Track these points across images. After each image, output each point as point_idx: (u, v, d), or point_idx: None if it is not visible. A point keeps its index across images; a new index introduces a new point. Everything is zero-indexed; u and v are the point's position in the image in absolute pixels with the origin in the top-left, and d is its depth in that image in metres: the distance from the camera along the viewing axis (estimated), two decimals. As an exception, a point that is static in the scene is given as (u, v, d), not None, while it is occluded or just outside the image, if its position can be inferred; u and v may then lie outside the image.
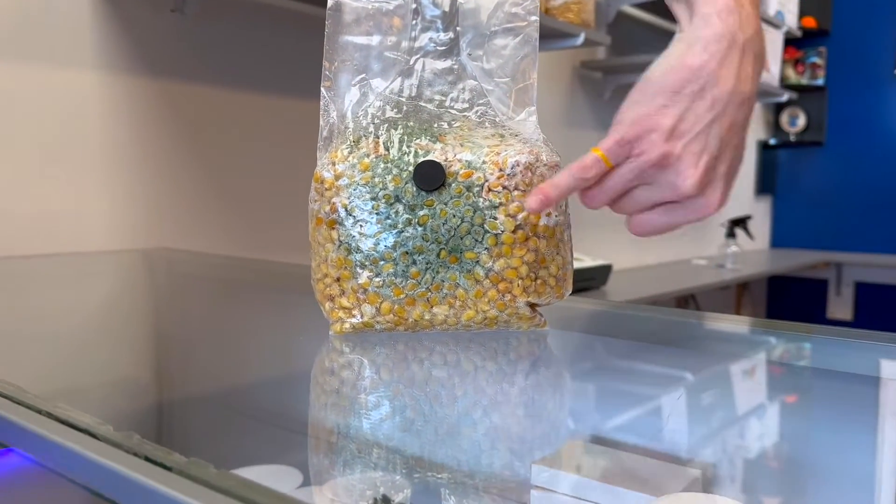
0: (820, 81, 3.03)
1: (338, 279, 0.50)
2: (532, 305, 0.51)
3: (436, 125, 0.51)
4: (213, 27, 1.24)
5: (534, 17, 0.53)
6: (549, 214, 0.50)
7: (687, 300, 2.42)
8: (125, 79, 1.14)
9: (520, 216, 0.49)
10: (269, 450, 0.37)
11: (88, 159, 1.10)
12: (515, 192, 0.49)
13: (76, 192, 1.09)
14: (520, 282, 0.49)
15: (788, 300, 3.18)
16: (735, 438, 0.39)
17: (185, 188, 1.22)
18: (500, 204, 0.48)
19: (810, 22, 2.94)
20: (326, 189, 0.50)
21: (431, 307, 0.49)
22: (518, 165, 0.49)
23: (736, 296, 2.93)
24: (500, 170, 0.49)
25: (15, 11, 1.02)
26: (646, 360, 0.56)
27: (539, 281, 0.50)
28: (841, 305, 3.07)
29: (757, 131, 3.11)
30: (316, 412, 0.44)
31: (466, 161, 0.49)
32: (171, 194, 1.20)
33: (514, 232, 0.48)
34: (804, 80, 3.03)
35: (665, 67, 0.44)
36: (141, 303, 0.80)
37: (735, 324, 0.65)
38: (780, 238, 3.24)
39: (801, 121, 3.09)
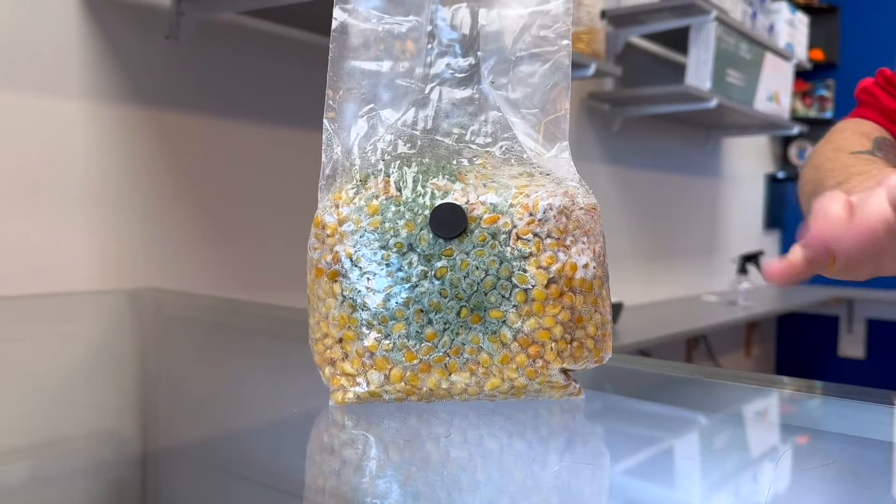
0: (828, 114, 2.99)
1: (340, 340, 0.43)
2: (566, 372, 0.44)
3: (455, 162, 0.45)
4: (209, 54, 1.19)
5: (565, 42, 0.47)
6: (586, 266, 0.43)
7: (698, 339, 2.34)
8: (113, 107, 1.08)
9: (553, 268, 0.42)
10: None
11: (71, 192, 1.03)
12: (548, 241, 0.42)
13: (57, 227, 1.02)
14: (553, 345, 0.42)
15: (799, 337, 3.11)
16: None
17: (176, 224, 1.15)
18: (531, 254, 0.42)
19: (818, 55, 2.91)
20: (328, 235, 0.43)
21: (450, 374, 0.42)
22: (551, 209, 0.42)
23: (745, 333, 2.85)
24: (531, 214, 0.42)
25: (-2, 36, 0.96)
26: (691, 431, 0.49)
27: (575, 343, 0.43)
28: (853, 343, 3.00)
29: (765, 164, 3.07)
30: (313, 498, 0.37)
31: (491, 204, 0.42)
32: (161, 230, 1.13)
33: (546, 287, 0.42)
34: (812, 113, 2.99)
35: None
36: (122, 350, 0.73)
37: (780, 386, 0.59)
38: (790, 273, 3.16)
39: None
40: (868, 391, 0.52)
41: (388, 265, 0.42)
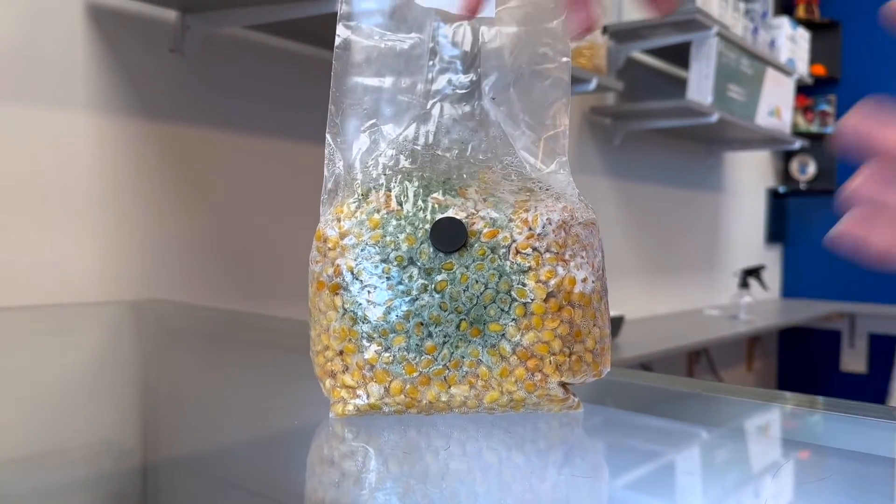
0: (830, 129, 3.00)
1: (341, 353, 0.43)
2: (565, 385, 0.44)
3: (455, 177, 0.45)
4: (213, 68, 1.20)
5: (565, 59, 0.48)
6: (584, 280, 0.43)
7: (699, 353, 2.34)
8: (118, 120, 1.09)
9: (552, 282, 0.42)
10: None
11: (74, 203, 1.04)
12: (547, 255, 0.42)
13: (60, 238, 1.03)
14: (552, 358, 0.42)
15: (800, 352, 3.10)
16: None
17: (178, 235, 1.16)
18: (530, 268, 0.42)
19: (820, 70, 2.92)
20: (330, 249, 0.43)
21: (449, 387, 0.42)
22: (550, 224, 0.42)
23: (747, 347, 2.85)
24: (530, 229, 0.42)
25: (2, 49, 0.97)
26: (691, 445, 0.49)
27: (574, 357, 0.43)
28: (854, 358, 2.99)
29: (766, 179, 3.07)
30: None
31: (491, 218, 0.42)
32: (163, 242, 1.14)
33: (545, 300, 0.42)
34: (814, 128, 3.00)
35: None
36: (123, 361, 0.74)
37: (782, 401, 0.59)
38: (792, 288, 3.17)
39: (812, 169, 3.05)
40: (870, 406, 0.52)
41: (388, 278, 0.42)
